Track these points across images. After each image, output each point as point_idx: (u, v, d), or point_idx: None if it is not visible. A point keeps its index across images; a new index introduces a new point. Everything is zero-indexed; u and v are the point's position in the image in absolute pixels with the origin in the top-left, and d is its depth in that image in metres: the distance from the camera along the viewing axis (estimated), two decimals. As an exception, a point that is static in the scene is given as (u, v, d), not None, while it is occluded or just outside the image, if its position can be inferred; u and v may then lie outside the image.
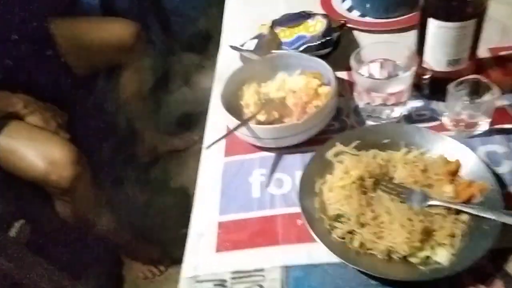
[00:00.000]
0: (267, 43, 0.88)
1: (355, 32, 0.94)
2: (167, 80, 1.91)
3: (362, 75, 0.71)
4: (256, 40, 0.88)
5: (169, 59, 1.94)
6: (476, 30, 0.67)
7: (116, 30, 1.52)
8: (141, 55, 1.58)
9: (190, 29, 2.09)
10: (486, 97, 0.68)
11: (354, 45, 0.92)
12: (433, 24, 0.67)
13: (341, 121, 0.77)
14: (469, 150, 0.64)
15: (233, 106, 0.79)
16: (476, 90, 0.69)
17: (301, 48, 0.83)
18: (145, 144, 1.71)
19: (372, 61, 0.76)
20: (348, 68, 0.81)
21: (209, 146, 0.65)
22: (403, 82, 0.70)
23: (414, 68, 0.69)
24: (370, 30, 0.93)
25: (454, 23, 0.65)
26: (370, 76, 0.73)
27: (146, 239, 1.50)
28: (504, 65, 0.80)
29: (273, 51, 0.86)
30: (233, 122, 0.72)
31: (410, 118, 0.75)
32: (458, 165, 0.64)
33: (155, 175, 1.70)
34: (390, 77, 0.71)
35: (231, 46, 0.90)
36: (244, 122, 0.71)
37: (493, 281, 0.54)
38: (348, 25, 0.94)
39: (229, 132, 0.69)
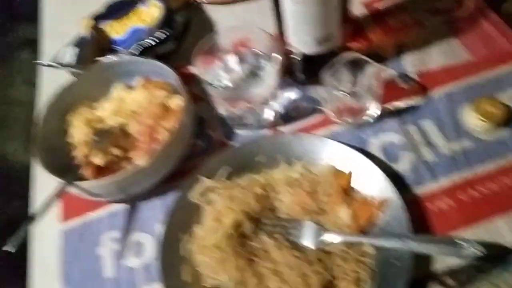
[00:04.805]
0: (91, 47, 0.66)
1: (208, 7, 0.75)
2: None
3: (213, 86, 0.52)
4: (76, 50, 0.65)
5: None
6: (343, -3, 0.51)
7: None
8: None
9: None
10: (368, 76, 0.54)
11: (208, 26, 0.73)
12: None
13: (206, 137, 0.60)
14: (357, 153, 0.51)
15: (60, 149, 0.59)
16: (356, 69, 0.55)
17: (131, 46, 0.62)
18: None
19: (226, 53, 0.58)
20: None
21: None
22: (269, 78, 0.54)
23: (279, 59, 0.53)
24: (225, 1, 0.74)
25: (312, -5, 0.48)
26: (221, 85, 0.55)
27: None
28: (383, 22, 0.67)
29: (101, 57, 0.65)
30: (56, 181, 0.52)
31: (287, 116, 0.60)
32: (350, 178, 0.50)
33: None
34: (251, 77, 0.54)
35: (39, 63, 0.67)
36: (67, 183, 0.50)
37: (415, 330, 0.43)
38: (197, -1, 0.74)
39: (44, 209, 0.49)
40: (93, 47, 0.65)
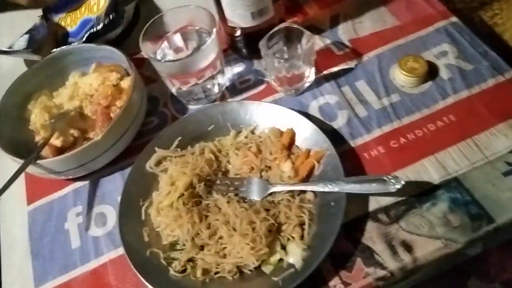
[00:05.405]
0: (45, 39, 0.69)
1: (155, -5, 0.79)
2: None
3: (158, 61, 0.57)
4: (27, 36, 0.68)
5: None
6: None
7: None
8: None
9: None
10: (302, 45, 0.59)
11: (158, 12, 0.76)
12: (218, -24, 0.54)
13: (160, 114, 0.64)
14: (295, 113, 0.56)
15: (21, 135, 0.62)
16: (291, 39, 0.60)
17: (84, 37, 0.66)
18: None
19: (172, 33, 0.62)
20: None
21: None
22: (210, 51, 0.58)
23: (215, 32, 0.57)
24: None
25: (240, -30, 0.53)
26: (166, 59, 0.59)
27: None
28: (318, -4, 0.72)
29: (56, 49, 0.68)
30: (16, 162, 0.55)
31: (235, 88, 0.64)
32: (291, 136, 0.55)
33: None
34: (195, 52, 0.58)
35: None
36: (27, 161, 0.54)
37: (353, 261, 0.48)
38: (145, -12, 0.78)
39: (6, 186, 0.52)
40: (48, 37, 0.68)
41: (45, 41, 0.68)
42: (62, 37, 0.71)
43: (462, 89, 0.58)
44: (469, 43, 0.62)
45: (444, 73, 0.60)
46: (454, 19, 0.65)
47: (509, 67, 0.59)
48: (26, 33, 0.69)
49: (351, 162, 0.54)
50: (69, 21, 0.71)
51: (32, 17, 0.76)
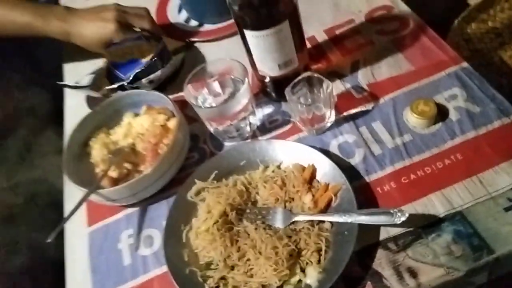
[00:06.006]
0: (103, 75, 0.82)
1: (199, 45, 0.90)
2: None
3: (199, 107, 0.67)
4: (93, 76, 0.81)
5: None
6: (294, 28, 0.65)
7: None
8: None
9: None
10: (323, 90, 0.67)
11: (200, 59, 0.88)
12: (249, 35, 0.64)
13: (200, 150, 0.74)
14: (316, 151, 0.64)
15: (84, 167, 0.73)
16: (313, 85, 0.68)
17: (129, 79, 0.78)
18: None
19: (211, 81, 0.72)
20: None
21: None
22: (242, 97, 0.67)
23: (247, 81, 0.66)
24: (213, 38, 0.89)
25: (268, 30, 0.62)
26: (205, 105, 0.69)
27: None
28: (341, 44, 0.80)
29: (111, 85, 0.80)
30: (81, 191, 0.66)
31: (264, 128, 0.73)
32: (312, 171, 0.63)
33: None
34: (231, 98, 0.68)
35: (61, 84, 0.83)
36: (91, 191, 0.65)
37: (364, 284, 0.54)
38: (192, 38, 0.89)
39: (74, 211, 0.63)
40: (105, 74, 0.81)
41: (103, 75, 0.81)
42: (110, 66, 0.82)
43: (470, 130, 0.64)
44: (478, 87, 0.68)
45: (453, 115, 0.66)
46: (465, 64, 0.71)
47: (515, 110, 0.64)
48: (92, 73, 0.81)
49: (365, 196, 0.61)
50: (120, 53, 0.82)
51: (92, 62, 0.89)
